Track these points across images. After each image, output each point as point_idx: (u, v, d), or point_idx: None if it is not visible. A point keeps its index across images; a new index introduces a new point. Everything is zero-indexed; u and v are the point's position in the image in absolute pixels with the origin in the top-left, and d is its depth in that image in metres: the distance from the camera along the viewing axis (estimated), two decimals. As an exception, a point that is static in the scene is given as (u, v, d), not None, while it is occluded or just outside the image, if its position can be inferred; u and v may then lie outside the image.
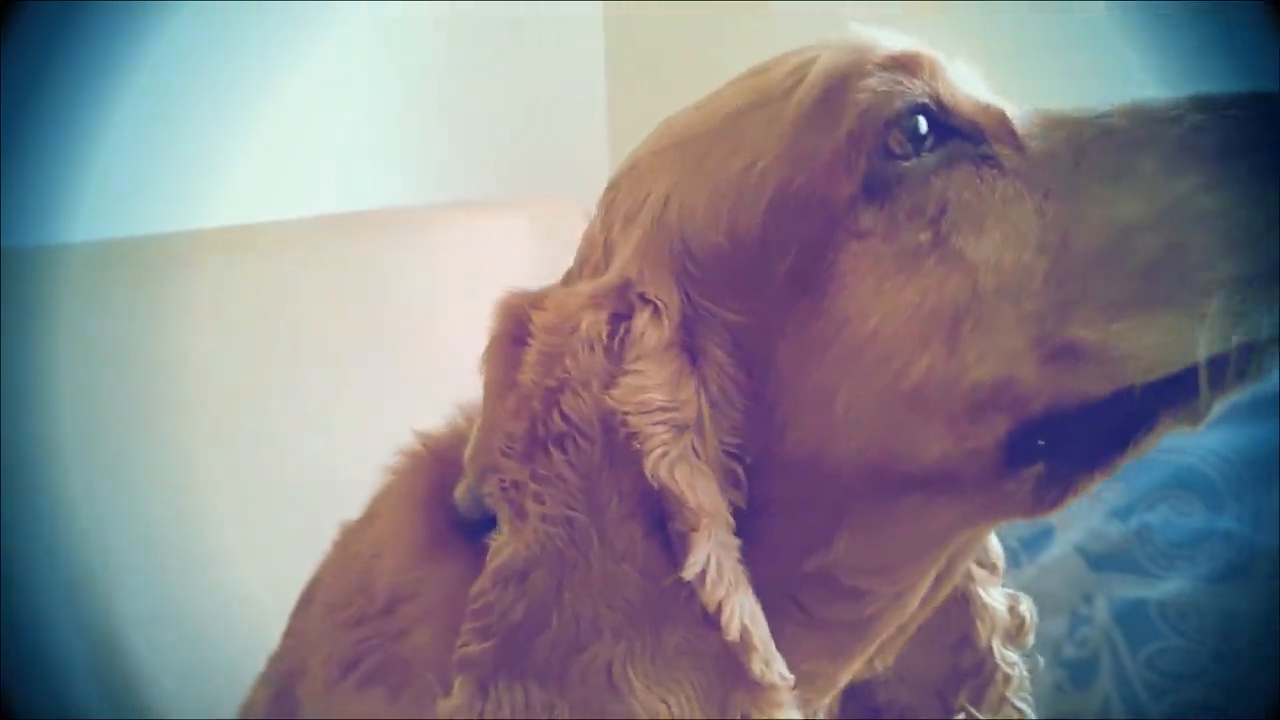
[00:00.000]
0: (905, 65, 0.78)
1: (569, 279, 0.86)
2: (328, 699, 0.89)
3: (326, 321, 1.53)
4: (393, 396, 1.55)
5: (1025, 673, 0.95)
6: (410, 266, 1.68)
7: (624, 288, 0.78)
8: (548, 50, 2.31)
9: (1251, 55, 1.55)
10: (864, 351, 0.75)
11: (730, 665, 0.72)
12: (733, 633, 0.72)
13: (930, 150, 0.77)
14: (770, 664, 0.72)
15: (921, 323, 0.74)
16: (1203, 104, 0.75)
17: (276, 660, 1.03)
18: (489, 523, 0.85)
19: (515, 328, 0.85)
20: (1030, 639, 0.96)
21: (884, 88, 0.77)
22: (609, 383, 0.75)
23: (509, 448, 0.77)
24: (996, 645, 0.94)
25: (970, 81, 0.82)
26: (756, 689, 0.72)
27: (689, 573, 0.71)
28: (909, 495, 0.77)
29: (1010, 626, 0.95)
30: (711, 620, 0.72)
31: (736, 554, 0.74)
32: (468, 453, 0.87)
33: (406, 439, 0.97)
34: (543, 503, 0.74)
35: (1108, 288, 0.73)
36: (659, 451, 0.73)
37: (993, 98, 0.81)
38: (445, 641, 0.82)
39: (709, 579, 0.72)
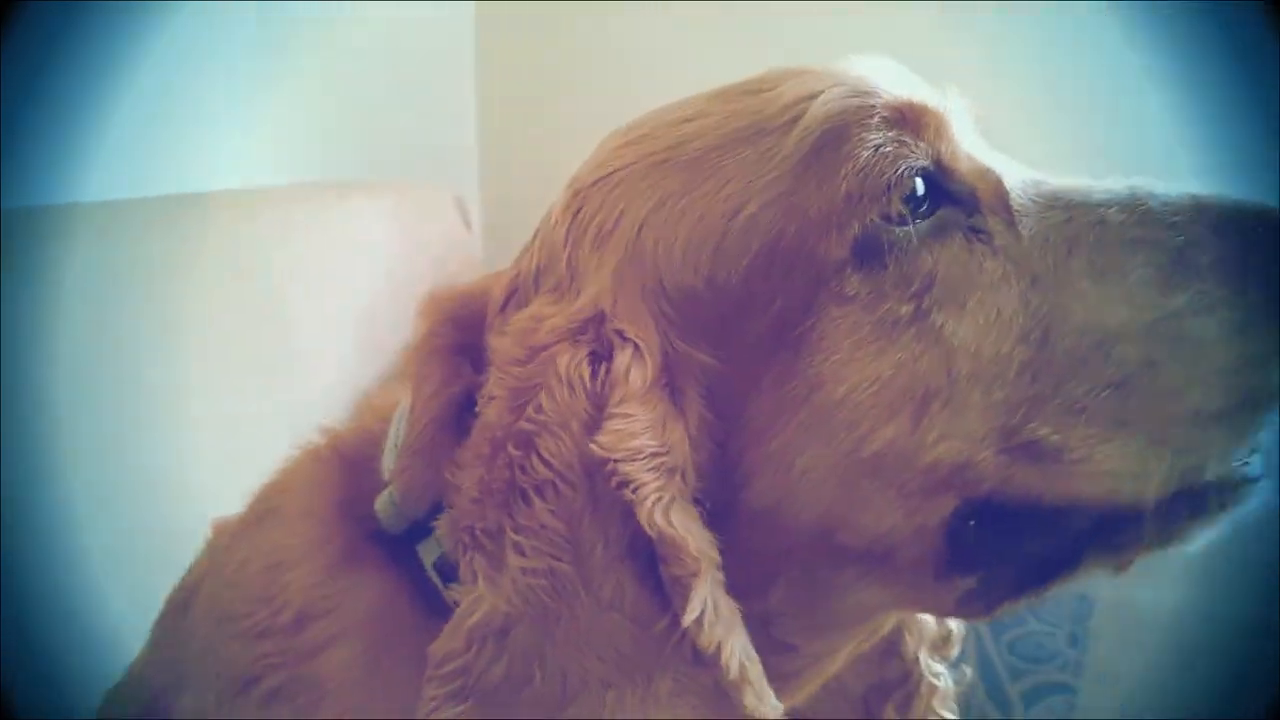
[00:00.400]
0: (911, 122, 0.75)
1: (520, 285, 0.80)
2: (219, 716, 0.83)
3: (187, 298, 1.44)
4: (251, 376, 1.48)
5: (951, 684, 0.94)
6: (273, 244, 1.61)
7: (598, 321, 0.74)
8: (419, 38, 2.25)
9: (1251, 55, 1.58)
10: (831, 416, 0.73)
11: (720, 701, 0.70)
12: (733, 672, 0.70)
13: (924, 215, 0.75)
14: (763, 698, 0.71)
15: (891, 395, 0.73)
16: (1204, 214, 0.75)
17: (141, 671, 0.95)
18: (412, 534, 0.81)
19: (454, 333, 0.81)
20: (956, 650, 0.96)
21: (888, 147, 0.74)
22: (592, 426, 0.71)
23: (482, 494, 0.72)
24: (924, 656, 0.94)
25: (967, 130, 0.80)
26: None
27: (689, 618, 0.69)
28: (848, 567, 0.77)
29: (937, 638, 0.95)
30: (704, 660, 0.70)
31: (724, 590, 0.72)
32: (392, 463, 0.82)
33: (298, 431, 0.90)
34: (524, 554, 0.70)
35: (1079, 392, 0.73)
36: (653, 499, 0.70)
37: (991, 158, 0.79)
38: (366, 663, 0.79)
39: (707, 620, 0.69)
